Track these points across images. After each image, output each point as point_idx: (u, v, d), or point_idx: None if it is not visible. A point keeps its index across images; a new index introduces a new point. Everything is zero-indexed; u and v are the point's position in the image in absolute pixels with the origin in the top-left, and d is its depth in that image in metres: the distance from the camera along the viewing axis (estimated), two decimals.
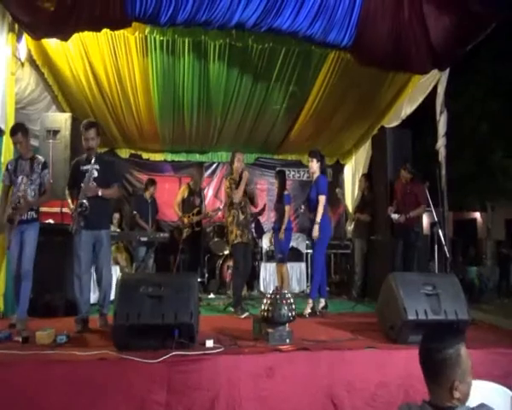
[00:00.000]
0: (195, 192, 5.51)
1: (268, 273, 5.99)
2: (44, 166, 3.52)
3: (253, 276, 5.93)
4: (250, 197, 4.45)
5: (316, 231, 4.10)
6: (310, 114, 6.05)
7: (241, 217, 4.32)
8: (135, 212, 5.95)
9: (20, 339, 2.89)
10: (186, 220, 5.24)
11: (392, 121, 5.73)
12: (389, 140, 5.28)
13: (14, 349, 2.66)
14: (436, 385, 1.35)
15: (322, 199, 4.14)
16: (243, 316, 4.07)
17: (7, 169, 3.50)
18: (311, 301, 4.22)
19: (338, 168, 7.76)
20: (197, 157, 7.38)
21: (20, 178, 3.41)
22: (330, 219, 4.58)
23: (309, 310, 4.16)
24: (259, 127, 6.46)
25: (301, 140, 6.86)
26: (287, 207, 5.05)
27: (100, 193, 3.40)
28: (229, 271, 5.96)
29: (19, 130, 3.46)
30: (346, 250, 6.31)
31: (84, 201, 3.29)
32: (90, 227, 3.39)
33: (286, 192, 5.22)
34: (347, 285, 5.96)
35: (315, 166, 4.30)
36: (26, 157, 3.49)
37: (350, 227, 6.22)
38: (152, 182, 6.08)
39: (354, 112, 5.96)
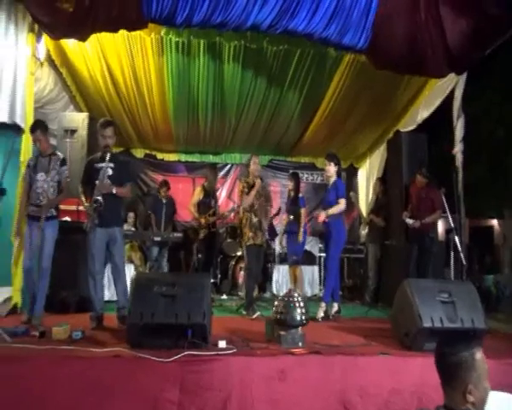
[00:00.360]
0: (210, 193, 5.54)
1: (281, 275, 6.00)
2: (63, 162, 3.57)
3: (266, 278, 5.93)
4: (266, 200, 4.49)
5: (323, 215, 4.09)
6: (324, 116, 6.03)
7: (254, 219, 4.35)
8: (149, 212, 6.03)
9: (37, 334, 2.96)
10: (204, 221, 5.27)
11: (407, 125, 5.69)
12: (404, 144, 5.24)
13: (32, 344, 2.73)
14: (450, 388, 1.35)
15: (343, 202, 4.14)
16: (254, 316, 4.11)
17: (28, 166, 3.58)
18: (324, 304, 4.20)
19: (352, 172, 7.72)
20: (211, 158, 7.43)
21: (39, 175, 3.47)
22: (344, 222, 4.56)
23: (322, 314, 4.15)
24: (273, 129, 6.47)
25: (315, 143, 6.84)
26: (303, 210, 5.04)
27: (114, 191, 3.44)
28: (242, 272, 5.98)
29: (38, 127, 3.52)
30: (360, 255, 6.28)
31: (99, 198, 3.33)
32: (104, 225, 3.44)
33: (300, 195, 5.21)
34: (360, 290, 5.93)
35: (332, 169, 4.27)
36: (45, 154, 3.56)
37: (364, 231, 6.18)
38: (163, 183, 6.16)
39: (369, 115, 5.93)
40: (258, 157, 4.59)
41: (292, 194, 5.21)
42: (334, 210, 4.13)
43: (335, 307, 4.30)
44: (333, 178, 4.28)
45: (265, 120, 6.20)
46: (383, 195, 5.74)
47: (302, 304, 3.02)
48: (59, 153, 3.67)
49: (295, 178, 5.26)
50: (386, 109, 5.77)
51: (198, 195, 5.45)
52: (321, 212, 4.24)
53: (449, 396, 1.35)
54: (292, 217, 5.09)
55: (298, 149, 7.28)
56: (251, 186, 4.37)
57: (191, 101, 5.71)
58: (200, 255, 5.36)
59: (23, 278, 3.58)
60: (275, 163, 7.67)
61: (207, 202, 5.42)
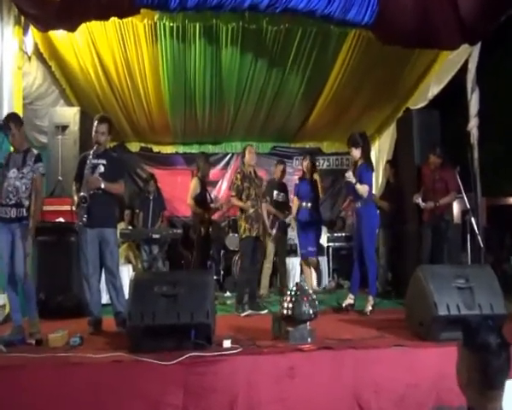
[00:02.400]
0: (205, 184, 5.48)
1: (289, 268, 5.96)
2: (38, 158, 3.27)
3: (274, 272, 5.89)
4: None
5: (352, 176, 4.07)
6: (329, 98, 5.96)
7: (251, 210, 4.33)
8: (137, 210, 6.06)
9: (34, 342, 2.97)
10: (207, 216, 5.24)
11: (418, 102, 5.59)
12: (416, 122, 5.15)
13: (28, 353, 2.72)
14: None
15: (366, 188, 4.03)
16: (243, 315, 4.08)
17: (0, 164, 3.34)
18: (371, 298, 4.15)
19: None
20: (210, 148, 7.39)
21: (11, 171, 3.20)
22: (376, 208, 4.46)
23: (370, 308, 4.10)
24: (275, 115, 6.41)
25: (320, 126, 6.77)
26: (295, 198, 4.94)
27: (103, 185, 3.42)
28: None
29: (10, 120, 3.24)
30: None
31: (85, 194, 3.32)
32: (95, 225, 3.43)
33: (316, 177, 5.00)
34: None
35: (356, 153, 4.15)
36: (19, 150, 3.28)
37: None
38: (149, 177, 6.17)
39: (377, 94, 5.84)
40: (254, 146, 4.58)
41: (307, 176, 5.02)
42: (359, 188, 4.04)
43: (352, 299, 4.25)
44: (360, 162, 4.16)
45: (267, 105, 6.14)
46: (394, 178, 5.66)
47: (311, 297, 3.00)
48: (34, 149, 3.39)
49: (311, 158, 5.08)
50: (395, 87, 5.68)
51: (195, 188, 5.36)
52: (350, 174, 4.12)
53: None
54: (310, 204, 4.94)
55: (302, 135, 7.21)
56: (246, 177, 4.38)
57: (188, 89, 5.67)
58: (199, 252, 5.34)
59: (7, 287, 3.30)
60: (278, 150, 7.62)
61: (204, 194, 5.37)
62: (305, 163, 5.05)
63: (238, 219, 4.43)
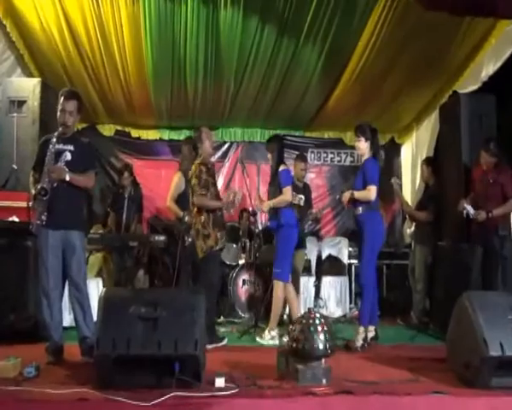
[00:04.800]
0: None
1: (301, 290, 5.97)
2: None
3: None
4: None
5: (347, 195, 4.28)
6: (354, 76, 5.98)
7: (218, 214, 4.37)
8: (108, 209, 6.11)
9: None
10: (189, 220, 5.22)
11: (468, 85, 5.61)
12: (464, 110, 5.17)
13: None
14: None
15: (372, 190, 4.18)
16: (210, 347, 3.95)
17: None
18: (362, 329, 4.24)
19: (393, 150, 7.69)
20: None
21: None
22: (382, 218, 4.54)
23: (360, 342, 4.19)
24: (286, 95, 6.43)
25: (342, 112, 6.79)
26: (284, 190, 4.64)
27: (67, 177, 3.46)
28: (246, 286, 6.00)
29: None
30: (404, 261, 6.24)
31: (45, 185, 3.36)
32: (57, 226, 3.47)
33: (282, 168, 4.74)
34: (405, 307, 5.90)
35: (363, 146, 4.34)
36: None
37: (409, 230, 6.14)
38: (124, 168, 6.18)
39: (414, 73, 5.86)
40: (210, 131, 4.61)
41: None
42: (361, 195, 4.24)
43: (372, 331, 4.32)
44: (365, 157, 4.35)
45: (275, 82, 6.16)
46: (434, 181, 5.68)
47: (326, 327, 3.01)
48: None
49: (276, 144, 4.88)
50: (438, 65, 5.70)
51: (178, 185, 5.32)
52: (345, 192, 4.35)
53: None
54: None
55: (319, 122, 7.23)
56: (209, 172, 4.39)
57: (176, 59, 5.70)
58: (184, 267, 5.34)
59: None
60: (289, 140, 7.61)
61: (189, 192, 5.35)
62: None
63: (201, 227, 4.35)
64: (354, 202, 4.37)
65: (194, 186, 4.36)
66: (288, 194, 4.65)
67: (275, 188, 4.76)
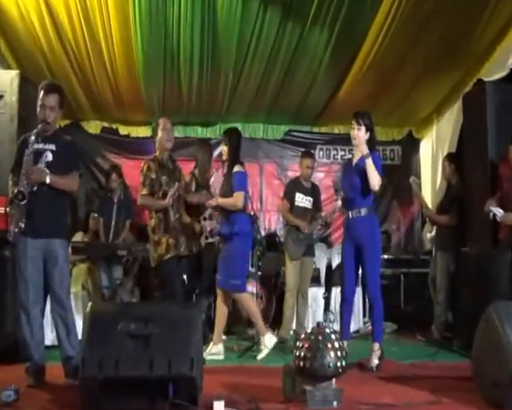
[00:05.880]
0: (203, 185, 5.48)
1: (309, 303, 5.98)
2: None
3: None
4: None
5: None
6: (367, 64, 5.98)
7: (172, 217, 4.33)
8: (95, 215, 6.14)
9: None
10: (199, 228, 5.25)
11: (494, 71, 5.57)
12: (490, 100, 5.16)
13: None
14: None
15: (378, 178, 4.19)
16: None
17: None
18: (377, 346, 4.24)
19: (411, 145, 7.71)
20: (199, 132, 7.46)
21: None
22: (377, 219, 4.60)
23: (376, 361, 4.18)
24: (291, 87, 6.45)
25: (354, 104, 6.71)
26: (237, 194, 4.61)
27: (48, 180, 3.47)
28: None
29: None
30: (424, 269, 6.26)
31: (22, 189, 3.37)
32: (37, 234, 3.48)
33: (237, 169, 4.72)
34: (425, 321, 5.89)
35: (362, 136, 4.31)
36: None
37: (429, 234, 6.13)
38: (111, 169, 6.26)
39: (435, 59, 5.85)
40: (170, 121, 4.59)
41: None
42: (374, 176, 4.19)
43: (376, 350, 4.28)
44: (362, 149, 4.30)
45: (279, 72, 6.17)
46: (457, 180, 5.67)
47: (337, 344, 3.01)
48: None
49: (231, 138, 4.91)
50: (461, 49, 5.68)
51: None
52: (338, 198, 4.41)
53: None
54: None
55: (328, 116, 7.24)
56: (162, 167, 4.38)
57: (169, 48, 5.70)
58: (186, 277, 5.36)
59: None
60: (294, 136, 7.67)
61: None
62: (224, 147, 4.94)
63: (151, 232, 4.34)
64: (352, 202, 4.36)
65: (140, 185, 4.35)
66: (238, 200, 4.60)
67: (227, 188, 4.69)
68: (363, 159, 4.27)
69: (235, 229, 4.62)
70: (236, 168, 4.70)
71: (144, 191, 4.34)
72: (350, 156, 4.63)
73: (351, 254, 4.41)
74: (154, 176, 4.34)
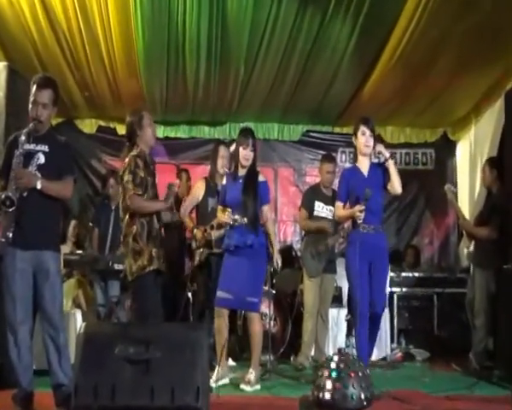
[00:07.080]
0: (216, 191, 5.46)
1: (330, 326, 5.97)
2: None
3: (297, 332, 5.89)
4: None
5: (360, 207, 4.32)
6: (395, 59, 5.99)
7: (155, 226, 4.23)
8: (91, 224, 6.21)
9: None
10: (200, 235, 5.25)
11: None
12: None
13: None
14: None
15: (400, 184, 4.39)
16: None
17: None
18: None
19: (446, 149, 7.74)
20: (206, 132, 7.52)
21: None
22: None
23: None
24: (310, 83, 6.48)
25: (381, 102, 6.80)
26: (265, 208, 4.74)
27: (39, 185, 3.48)
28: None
29: None
30: (461, 289, 6.23)
31: (11, 194, 3.38)
32: (27, 246, 3.49)
33: (263, 179, 4.78)
34: (462, 348, 5.85)
35: (371, 141, 4.48)
36: None
37: (467, 249, 6.10)
38: (109, 174, 6.37)
39: (473, 51, 5.85)
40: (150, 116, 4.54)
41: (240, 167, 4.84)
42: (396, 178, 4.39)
43: None
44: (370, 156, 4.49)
45: (296, 66, 6.20)
46: (498, 188, 5.64)
47: (361, 373, 3.01)
48: None
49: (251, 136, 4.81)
50: (503, 39, 5.66)
51: (196, 193, 5.37)
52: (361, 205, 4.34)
53: None
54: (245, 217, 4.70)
55: (351, 114, 7.20)
56: (147, 166, 4.26)
57: (173, 39, 5.75)
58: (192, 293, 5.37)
59: None
60: (313, 137, 7.71)
61: (210, 204, 5.34)
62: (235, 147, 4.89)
63: (132, 242, 4.14)
64: (372, 217, 4.39)
65: (127, 184, 4.12)
66: (270, 213, 4.89)
67: (247, 199, 4.64)
68: (373, 167, 4.46)
69: (261, 239, 4.67)
70: (261, 178, 4.76)
71: (138, 191, 4.12)
72: (349, 165, 4.63)
73: (365, 271, 4.43)
74: (142, 175, 4.18)
